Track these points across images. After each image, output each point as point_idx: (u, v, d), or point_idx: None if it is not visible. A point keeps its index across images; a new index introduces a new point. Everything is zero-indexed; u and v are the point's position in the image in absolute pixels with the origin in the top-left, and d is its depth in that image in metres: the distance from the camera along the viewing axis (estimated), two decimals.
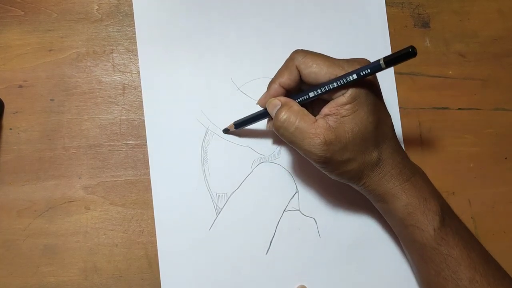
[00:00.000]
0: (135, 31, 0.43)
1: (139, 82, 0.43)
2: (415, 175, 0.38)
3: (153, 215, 0.42)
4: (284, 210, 0.43)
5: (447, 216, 0.38)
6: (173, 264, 0.41)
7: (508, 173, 0.47)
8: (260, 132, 0.44)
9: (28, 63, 0.42)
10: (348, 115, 0.35)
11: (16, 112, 0.42)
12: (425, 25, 0.47)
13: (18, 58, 0.42)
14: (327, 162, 0.36)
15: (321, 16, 0.46)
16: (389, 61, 0.32)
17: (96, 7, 0.44)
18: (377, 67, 0.33)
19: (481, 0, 0.48)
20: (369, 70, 0.33)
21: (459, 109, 0.47)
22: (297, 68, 0.36)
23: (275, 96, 0.38)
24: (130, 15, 0.44)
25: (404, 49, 0.31)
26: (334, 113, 0.35)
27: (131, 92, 0.43)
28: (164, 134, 0.43)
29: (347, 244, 0.44)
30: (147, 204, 0.42)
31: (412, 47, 0.30)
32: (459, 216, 0.44)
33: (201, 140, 0.43)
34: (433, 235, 0.36)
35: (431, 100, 0.46)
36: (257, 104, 0.40)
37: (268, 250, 0.43)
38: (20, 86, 0.42)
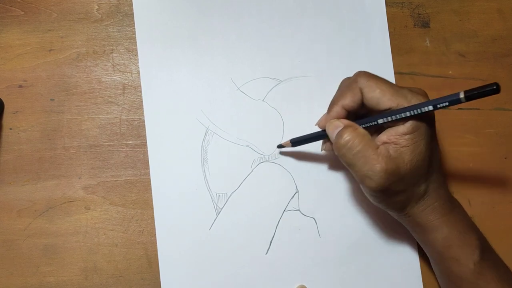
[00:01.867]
0: (135, 31, 0.43)
1: (139, 82, 0.43)
2: (455, 209, 0.38)
3: (153, 215, 0.42)
4: (284, 210, 0.43)
5: (487, 251, 0.37)
6: (173, 264, 0.41)
7: (508, 173, 0.47)
8: (260, 132, 0.44)
9: (28, 63, 0.42)
10: (408, 146, 0.34)
11: (16, 112, 0.42)
12: (425, 25, 0.47)
13: (18, 58, 0.42)
14: (382, 191, 0.35)
15: (321, 16, 0.46)
16: (470, 96, 0.31)
17: (96, 7, 0.44)
18: (456, 100, 0.32)
19: (481, 0, 0.48)
20: (447, 103, 0.32)
21: (459, 109, 0.47)
22: (360, 90, 0.36)
23: (335, 118, 0.37)
24: (130, 15, 0.44)
25: (489, 85, 0.30)
26: (393, 142, 0.35)
27: (131, 92, 0.43)
28: (164, 134, 0.43)
29: (347, 244, 0.44)
30: (147, 204, 0.42)
31: (497, 84, 0.29)
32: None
33: (201, 140, 0.43)
34: (473, 269, 0.36)
35: None
36: (316, 125, 0.39)
37: (268, 250, 0.43)
38: (20, 86, 0.42)
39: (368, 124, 0.36)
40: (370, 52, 0.46)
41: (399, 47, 0.46)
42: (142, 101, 0.43)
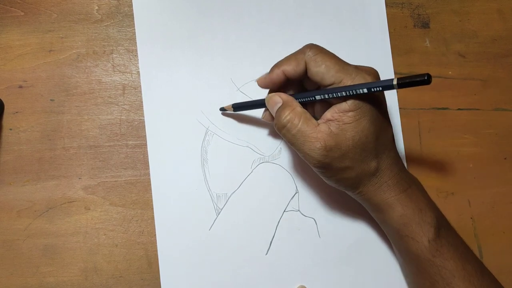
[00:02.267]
0: (135, 32, 0.43)
1: (139, 82, 0.43)
2: (412, 186, 0.38)
3: (153, 215, 0.42)
4: (284, 210, 0.43)
5: (443, 228, 0.37)
6: (173, 264, 0.41)
7: (508, 173, 0.47)
8: (260, 132, 0.44)
9: (28, 63, 0.43)
10: (350, 123, 0.35)
11: (16, 112, 0.42)
12: (425, 25, 0.47)
13: (18, 58, 0.43)
14: (325, 167, 0.36)
15: (321, 16, 0.46)
16: (402, 84, 0.32)
17: (96, 7, 0.44)
18: (389, 86, 0.33)
19: (481, 0, 0.48)
20: (380, 88, 0.33)
21: (459, 109, 0.47)
22: (305, 62, 0.36)
23: (276, 81, 0.37)
24: (130, 16, 0.44)
25: (420, 75, 0.31)
26: (336, 119, 0.35)
27: (131, 92, 0.43)
28: (164, 134, 0.43)
29: (347, 244, 0.44)
30: (147, 204, 0.42)
31: (428, 75, 0.30)
32: (459, 216, 0.44)
33: (201, 140, 0.43)
34: (428, 247, 0.36)
35: (431, 100, 0.46)
36: (256, 81, 0.39)
37: (268, 250, 0.43)
38: (20, 86, 0.42)
39: (306, 99, 0.37)
40: (370, 52, 0.46)
41: (399, 47, 0.46)
42: (142, 102, 0.43)
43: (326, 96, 0.35)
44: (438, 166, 0.46)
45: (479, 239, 0.45)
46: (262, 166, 0.43)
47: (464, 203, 0.46)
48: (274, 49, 0.45)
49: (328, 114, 0.36)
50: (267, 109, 0.41)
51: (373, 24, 0.46)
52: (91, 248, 0.41)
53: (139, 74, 0.43)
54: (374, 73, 0.36)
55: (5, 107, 0.42)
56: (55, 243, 0.41)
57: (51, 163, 0.42)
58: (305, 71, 0.36)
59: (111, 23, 0.44)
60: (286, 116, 0.36)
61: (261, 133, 0.44)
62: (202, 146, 0.43)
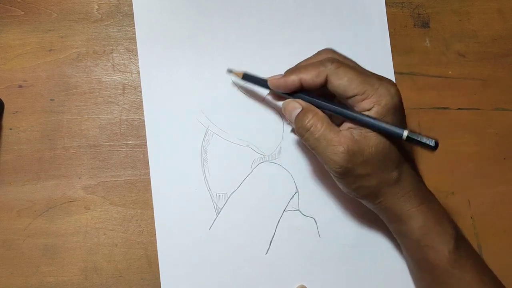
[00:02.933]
0: (135, 31, 0.43)
1: (139, 82, 0.43)
2: (429, 197, 0.38)
3: (153, 215, 0.42)
4: (284, 210, 0.43)
5: (461, 240, 0.38)
6: (173, 264, 0.41)
7: (508, 173, 0.47)
8: (260, 132, 0.44)
9: (28, 63, 0.42)
10: (373, 131, 0.35)
11: (16, 112, 0.42)
12: (425, 25, 0.47)
13: (18, 58, 0.42)
14: (346, 173, 0.36)
15: (321, 16, 0.46)
16: (410, 139, 0.33)
17: (96, 7, 0.44)
18: (398, 135, 0.34)
19: (481, 0, 0.48)
20: (387, 133, 0.35)
21: (459, 109, 0.47)
22: (326, 76, 0.36)
23: (290, 87, 0.37)
24: (130, 15, 0.44)
25: (429, 140, 0.32)
26: (359, 127, 0.35)
27: (131, 92, 0.43)
28: (164, 134, 0.43)
29: (347, 244, 0.44)
30: (147, 204, 0.42)
31: (436, 143, 0.32)
32: (459, 216, 0.44)
33: (201, 140, 0.43)
34: (448, 257, 0.36)
35: (431, 100, 0.46)
36: (267, 79, 0.39)
37: (268, 250, 0.43)
38: (20, 86, 0.42)
39: (328, 111, 0.37)
40: (370, 52, 0.46)
41: (399, 47, 0.46)
42: (142, 101, 0.43)
43: (346, 115, 0.36)
44: (439, 166, 0.46)
45: (479, 239, 0.45)
46: (262, 166, 0.43)
47: (464, 203, 0.46)
48: (274, 49, 0.45)
49: (349, 122, 0.36)
50: (272, 93, 0.41)
51: (373, 24, 0.46)
52: (91, 248, 0.41)
53: (139, 74, 0.43)
54: (395, 85, 0.36)
55: (5, 106, 0.42)
56: (55, 243, 0.41)
57: (51, 163, 0.42)
58: (324, 83, 0.36)
59: (111, 22, 0.44)
60: (310, 120, 0.36)
61: (261, 133, 0.44)
62: (202, 146, 0.43)
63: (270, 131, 0.44)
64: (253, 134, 0.44)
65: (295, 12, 0.45)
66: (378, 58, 0.46)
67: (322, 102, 0.37)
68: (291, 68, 0.38)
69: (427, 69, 0.47)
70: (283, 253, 0.43)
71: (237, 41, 0.44)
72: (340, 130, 0.36)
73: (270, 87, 0.39)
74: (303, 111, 0.36)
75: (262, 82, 0.40)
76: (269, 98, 0.41)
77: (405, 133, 0.33)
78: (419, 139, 0.33)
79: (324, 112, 0.37)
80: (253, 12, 0.45)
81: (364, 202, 0.39)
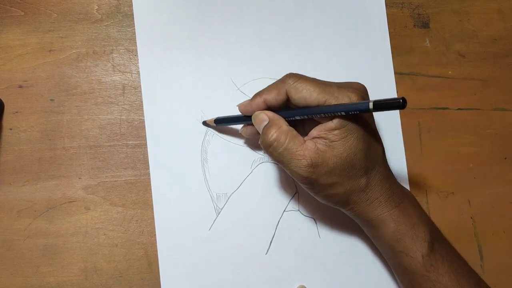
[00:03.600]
0: (135, 32, 0.43)
1: (139, 82, 0.43)
2: (404, 201, 0.38)
3: (153, 215, 0.42)
4: (284, 210, 0.43)
5: (437, 242, 0.37)
6: (173, 264, 0.41)
7: (508, 173, 0.47)
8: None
9: (28, 63, 0.42)
10: (337, 140, 0.35)
11: (16, 112, 0.42)
12: (425, 25, 0.47)
13: (18, 58, 0.42)
14: (312, 183, 0.36)
15: (321, 16, 0.46)
16: (377, 106, 0.32)
17: (96, 7, 0.44)
18: (365, 109, 0.33)
19: (481, 0, 0.48)
20: (357, 112, 0.34)
21: (459, 109, 0.47)
22: (286, 92, 0.36)
23: (256, 109, 0.38)
24: (130, 16, 0.44)
25: (395, 99, 0.31)
26: (322, 137, 0.35)
27: (131, 92, 0.43)
28: (164, 134, 0.43)
29: (347, 244, 0.44)
30: (147, 204, 0.42)
31: (403, 99, 0.31)
32: (459, 216, 0.44)
33: (201, 140, 0.43)
34: (422, 262, 0.36)
35: (431, 100, 0.46)
36: (237, 106, 0.39)
37: (268, 250, 0.43)
38: (20, 86, 0.42)
39: (291, 118, 0.37)
40: (370, 52, 0.46)
41: (399, 47, 0.46)
42: (142, 102, 0.43)
43: (305, 117, 0.36)
44: (438, 166, 0.46)
45: (479, 239, 0.45)
46: (262, 166, 0.43)
47: (464, 203, 0.46)
48: (274, 49, 0.45)
49: (315, 132, 0.36)
50: (246, 125, 0.41)
51: (373, 24, 0.46)
52: (91, 248, 0.41)
53: (139, 74, 0.43)
54: (359, 89, 0.36)
55: (5, 107, 0.42)
56: (55, 243, 0.41)
57: (51, 163, 0.42)
58: (286, 100, 0.37)
59: (111, 23, 0.44)
60: (272, 134, 0.36)
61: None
62: (202, 146, 0.43)
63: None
64: None
65: (295, 12, 0.45)
66: (378, 58, 0.46)
67: (290, 110, 0.37)
68: (256, 92, 0.38)
69: (427, 69, 0.47)
70: (283, 253, 0.43)
71: (237, 41, 0.44)
72: (305, 142, 0.35)
73: (240, 111, 0.39)
74: (268, 125, 0.36)
75: (235, 119, 0.41)
76: (245, 130, 0.41)
77: (370, 105, 0.32)
78: (385, 103, 0.32)
79: (293, 120, 0.37)
80: (253, 12, 0.45)
81: (337, 207, 0.39)
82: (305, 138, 0.36)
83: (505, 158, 0.47)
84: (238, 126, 0.43)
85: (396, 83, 0.46)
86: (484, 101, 0.47)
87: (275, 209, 0.43)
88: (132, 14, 0.44)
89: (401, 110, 0.45)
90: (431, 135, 0.46)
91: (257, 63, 0.44)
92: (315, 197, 0.38)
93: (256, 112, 0.38)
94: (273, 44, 0.45)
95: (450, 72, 0.47)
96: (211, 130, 0.43)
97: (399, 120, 0.46)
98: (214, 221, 0.42)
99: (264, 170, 0.43)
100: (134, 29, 0.44)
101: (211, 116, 0.43)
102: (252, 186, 0.43)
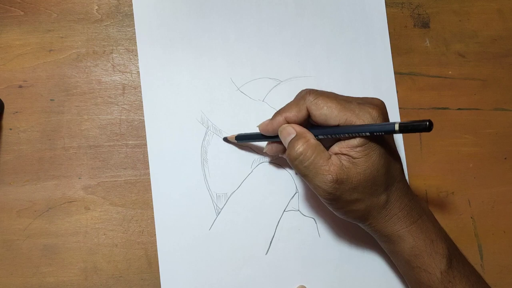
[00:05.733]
0: (135, 32, 0.43)
1: (139, 82, 0.43)
2: (422, 217, 0.38)
3: (153, 215, 0.42)
4: (284, 210, 0.43)
5: (455, 258, 0.37)
6: (173, 264, 0.41)
7: (508, 173, 0.47)
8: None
9: (28, 63, 0.42)
10: (360, 158, 0.35)
11: (16, 112, 0.42)
12: (425, 25, 0.47)
13: (18, 58, 0.42)
14: (335, 199, 0.36)
15: (321, 16, 0.46)
16: (403, 128, 0.32)
17: (96, 7, 0.44)
18: (390, 131, 0.33)
19: (481, 0, 0.48)
20: (382, 133, 0.33)
21: (459, 109, 0.47)
22: (307, 108, 0.36)
23: (277, 128, 0.38)
24: (130, 15, 0.44)
25: (422, 121, 0.31)
26: (345, 154, 0.35)
27: (131, 92, 0.43)
28: (164, 134, 0.43)
29: (347, 244, 0.44)
30: (147, 204, 0.42)
31: (430, 122, 0.30)
32: (459, 216, 0.44)
33: (201, 140, 0.43)
34: (440, 278, 0.36)
35: (431, 100, 0.46)
36: (257, 127, 0.39)
37: (268, 250, 0.43)
38: (20, 86, 0.42)
39: (321, 136, 0.37)
40: (370, 52, 0.46)
41: (399, 47, 0.46)
42: (142, 101, 0.43)
43: (329, 137, 0.36)
44: (438, 166, 0.46)
45: (479, 239, 0.45)
46: (262, 166, 0.43)
47: (464, 203, 0.46)
48: (274, 49, 0.45)
49: (336, 148, 0.36)
50: (270, 142, 0.41)
51: (373, 24, 0.46)
52: (91, 248, 0.41)
53: (139, 74, 0.43)
54: (379, 105, 0.36)
55: (5, 107, 0.42)
56: (55, 243, 0.41)
57: (51, 163, 0.42)
58: (307, 116, 0.36)
59: (111, 22, 0.44)
60: (299, 147, 0.35)
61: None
62: (202, 146, 0.43)
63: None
64: None
65: (295, 12, 0.45)
66: (378, 58, 0.46)
67: (315, 129, 0.37)
68: (277, 111, 0.38)
69: (427, 69, 0.47)
70: (283, 253, 0.43)
71: (237, 42, 0.44)
72: (330, 157, 0.35)
73: (261, 132, 0.39)
74: (295, 138, 0.36)
75: (257, 136, 0.40)
76: (269, 148, 0.41)
77: (396, 126, 0.32)
78: (412, 125, 0.31)
79: (317, 138, 0.37)
80: (253, 12, 0.45)
81: (355, 222, 0.39)
82: (329, 151, 0.36)
83: (505, 158, 0.47)
84: (261, 143, 0.43)
85: (396, 83, 0.46)
86: (484, 101, 0.47)
87: (275, 209, 0.43)
88: (132, 14, 0.44)
89: (401, 110, 0.46)
90: (431, 135, 0.46)
91: (257, 63, 0.44)
92: (334, 212, 0.38)
93: (283, 125, 0.37)
94: (273, 44, 0.45)
95: (450, 72, 0.47)
96: (211, 130, 0.43)
97: (399, 120, 0.46)
98: (214, 221, 0.42)
99: (264, 170, 0.43)
100: (134, 29, 0.44)
101: (211, 115, 0.43)
102: (252, 186, 0.43)
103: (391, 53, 0.46)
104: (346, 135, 0.35)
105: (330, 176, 0.35)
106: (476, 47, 0.48)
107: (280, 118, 0.37)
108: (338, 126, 0.35)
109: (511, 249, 0.45)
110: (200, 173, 0.42)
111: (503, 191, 0.46)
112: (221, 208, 0.42)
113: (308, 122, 0.38)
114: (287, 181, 0.44)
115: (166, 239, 0.42)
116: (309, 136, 0.36)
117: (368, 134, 0.34)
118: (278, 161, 0.44)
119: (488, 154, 0.47)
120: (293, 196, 0.43)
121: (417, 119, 0.46)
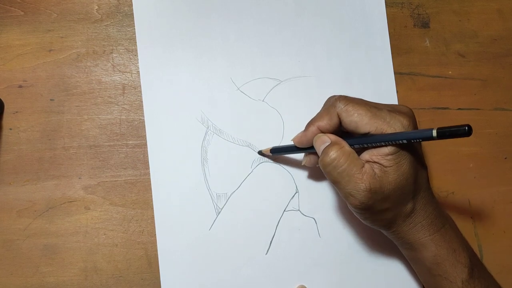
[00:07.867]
0: (135, 31, 0.43)
1: (139, 82, 0.43)
2: (445, 226, 0.38)
3: (153, 215, 0.42)
4: (284, 210, 0.43)
5: (476, 268, 0.37)
6: (173, 264, 0.41)
7: (508, 173, 0.47)
8: (260, 132, 0.44)
9: (28, 63, 0.42)
10: (391, 166, 0.35)
11: (16, 112, 0.42)
12: (425, 25, 0.47)
13: (18, 58, 0.42)
14: (366, 209, 0.35)
15: (321, 16, 0.46)
16: (441, 134, 0.31)
17: (96, 7, 0.44)
18: (429, 138, 0.32)
19: (481, 0, 0.48)
20: (420, 140, 0.33)
21: (459, 109, 0.47)
22: (338, 115, 0.36)
23: (312, 138, 0.38)
24: (130, 15, 0.44)
25: (460, 126, 0.30)
26: (376, 162, 0.35)
27: (131, 92, 0.43)
28: (164, 134, 0.43)
29: (347, 244, 0.44)
30: (147, 204, 0.42)
31: (469, 127, 0.30)
32: (459, 216, 0.44)
33: (201, 140, 0.43)
34: (461, 287, 0.36)
35: (431, 100, 0.46)
36: (291, 140, 0.39)
37: (268, 250, 0.43)
38: (20, 86, 0.42)
39: (356, 146, 0.36)
40: (370, 52, 0.46)
41: (399, 47, 0.46)
42: (142, 101, 0.43)
43: (365, 146, 0.35)
44: (439, 166, 0.46)
45: (479, 239, 0.45)
46: (262, 166, 0.43)
47: (464, 203, 0.46)
48: (274, 49, 0.45)
49: (367, 155, 0.36)
50: (307, 154, 0.40)
51: (373, 24, 0.46)
52: (91, 248, 0.41)
53: (139, 74, 0.43)
54: (408, 114, 0.36)
55: (5, 107, 0.42)
56: (55, 243, 0.41)
57: (51, 163, 0.42)
58: (339, 123, 0.36)
59: (111, 22, 0.44)
60: (333, 153, 0.35)
61: (261, 133, 0.44)
62: (202, 146, 0.43)
63: (270, 131, 0.44)
64: (253, 134, 0.44)
65: (295, 12, 0.45)
66: (378, 58, 0.46)
67: (351, 139, 0.37)
68: (308, 121, 0.38)
69: (427, 69, 0.47)
70: (283, 253, 0.43)
71: (237, 42, 0.44)
72: (364, 165, 0.35)
73: (296, 145, 0.39)
74: (330, 145, 0.36)
75: (291, 148, 0.40)
76: (308, 160, 0.41)
77: (434, 133, 0.31)
78: (451, 130, 0.31)
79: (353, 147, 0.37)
80: (253, 12, 0.45)
81: (378, 229, 0.39)
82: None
83: (505, 158, 0.47)
84: (297, 155, 0.43)
85: (396, 83, 0.46)
86: (484, 101, 0.47)
87: (275, 209, 0.43)
88: (132, 14, 0.44)
89: None
90: None
91: (257, 63, 0.44)
92: (362, 220, 0.38)
93: (318, 135, 0.37)
94: (273, 44, 0.45)
95: (450, 72, 0.47)
96: (211, 130, 0.43)
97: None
98: (214, 221, 0.42)
99: (264, 170, 0.43)
100: (134, 29, 0.44)
101: (211, 115, 0.43)
102: (252, 186, 0.43)
103: (391, 53, 0.46)
104: (383, 143, 0.34)
105: (363, 184, 0.34)
106: (476, 47, 0.48)
107: (313, 128, 0.37)
108: (372, 135, 0.35)
109: (511, 249, 0.45)
110: (200, 173, 0.42)
111: (503, 191, 0.46)
112: (221, 208, 0.42)
113: (341, 131, 0.37)
114: (287, 181, 0.44)
115: (166, 239, 0.42)
116: (344, 143, 0.36)
117: (405, 141, 0.33)
118: (278, 161, 0.44)
119: (488, 154, 0.47)
120: (293, 196, 0.43)
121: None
